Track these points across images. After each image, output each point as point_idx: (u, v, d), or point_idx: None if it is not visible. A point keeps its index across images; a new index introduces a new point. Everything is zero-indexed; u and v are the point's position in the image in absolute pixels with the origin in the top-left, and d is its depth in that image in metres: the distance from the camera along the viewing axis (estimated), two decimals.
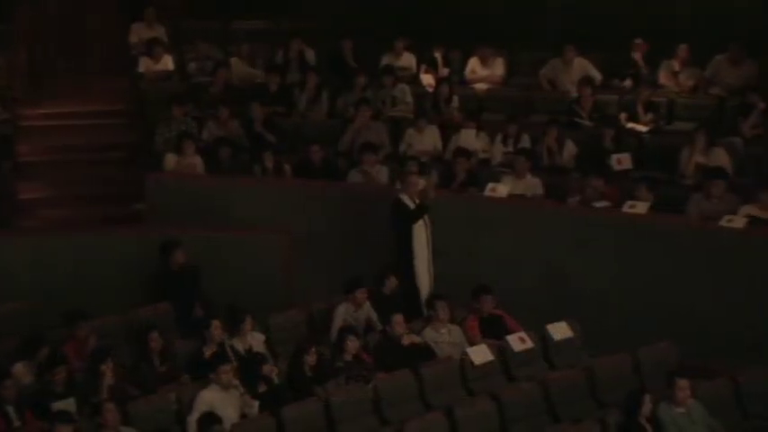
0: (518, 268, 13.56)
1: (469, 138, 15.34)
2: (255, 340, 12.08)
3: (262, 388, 11.20)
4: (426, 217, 13.19)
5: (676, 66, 16.36)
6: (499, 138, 15.29)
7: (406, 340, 12.06)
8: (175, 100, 15.84)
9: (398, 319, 12.13)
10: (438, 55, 17.46)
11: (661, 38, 16.43)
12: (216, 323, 11.87)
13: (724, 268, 12.83)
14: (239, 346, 11.95)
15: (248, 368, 11.32)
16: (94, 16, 18.35)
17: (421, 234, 13.17)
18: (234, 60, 17.32)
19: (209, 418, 10.43)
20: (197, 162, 14.88)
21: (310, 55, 17.57)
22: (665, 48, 16.41)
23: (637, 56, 16.63)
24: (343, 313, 12.60)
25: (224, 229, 14.09)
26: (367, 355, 11.92)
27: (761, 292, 12.65)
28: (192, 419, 10.67)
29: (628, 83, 16.33)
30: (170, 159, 14.92)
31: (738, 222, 12.96)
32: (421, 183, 13.35)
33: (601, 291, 13.27)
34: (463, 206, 14.13)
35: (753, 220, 13.03)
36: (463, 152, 14.78)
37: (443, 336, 12.31)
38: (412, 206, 13.24)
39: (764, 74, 15.82)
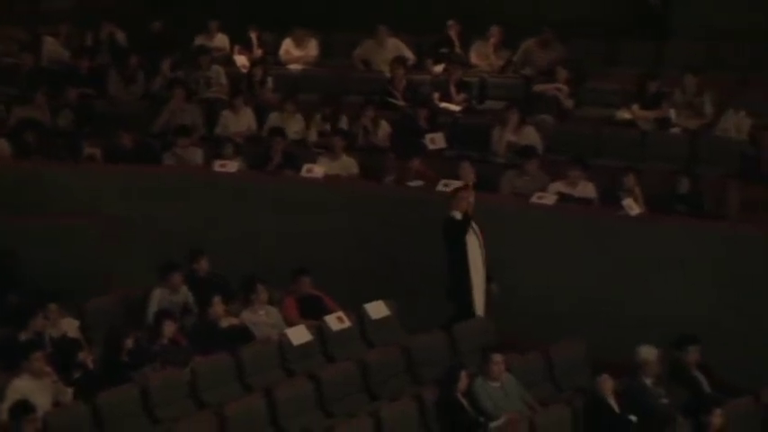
0: (336, 248, 13.61)
1: (285, 119, 15.31)
2: (69, 326, 11.85)
3: (76, 374, 11.00)
4: (478, 232, 12.45)
5: (488, 46, 16.62)
6: (315, 118, 15.30)
7: (223, 322, 12.00)
8: None
9: (217, 301, 12.05)
10: (252, 36, 17.37)
11: (472, 19, 16.67)
12: (40, 314, 11.61)
13: (538, 245, 13.10)
14: (53, 332, 11.71)
15: (62, 355, 11.11)
16: None
17: (475, 250, 12.45)
18: (48, 40, 16.96)
19: (22, 407, 10.17)
20: (3, 146, 14.51)
21: (121, 37, 17.30)
22: (476, 29, 16.66)
23: (452, 35, 16.83)
24: (158, 297, 12.45)
25: (38, 215, 13.80)
26: (184, 339, 11.82)
27: (572, 267, 12.96)
28: (4, 408, 10.41)
29: (440, 67, 16.49)
30: None
31: (549, 199, 13.27)
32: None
33: (418, 270, 13.37)
34: (279, 187, 14.13)
35: (562, 197, 13.35)
36: (279, 132, 14.75)
37: (261, 317, 12.28)
38: (460, 218, 12.53)
39: (571, 55, 16.20)
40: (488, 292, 12.45)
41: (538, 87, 15.50)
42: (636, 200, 13.19)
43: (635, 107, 14.89)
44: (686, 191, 13.38)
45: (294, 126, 15.28)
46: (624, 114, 14.96)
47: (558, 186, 13.48)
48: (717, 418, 10.66)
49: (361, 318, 12.47)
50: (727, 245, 12.68)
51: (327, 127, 15.14)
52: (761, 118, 14.67)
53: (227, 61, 17.03)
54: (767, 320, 12.31)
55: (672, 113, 14.74)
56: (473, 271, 12.39)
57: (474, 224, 12.40)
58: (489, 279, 12.44)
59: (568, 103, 15.40)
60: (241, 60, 17.06)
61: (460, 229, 12.36)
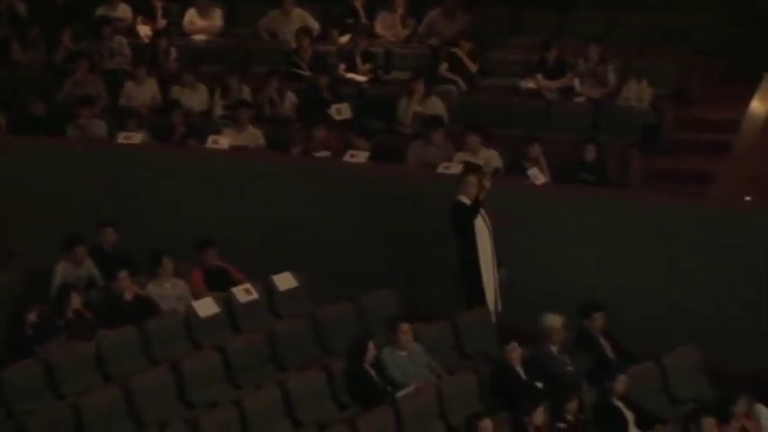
0: (243, 220, 13.56)
1: (186, 91, 15.17)
2: None
3: None
4: (486, 218, 12.22)
5: (394, 17, 16.61)
6: (219, 90, 15.20)
7: (128, 295, 11.91)
8: None
9: (123, 274, 11.97)
10: (157, 5, 17.17)
11: None
12: None
13: (443, 215, 13.13)
14: None
15: None
16: None
17: (484, 235, 12.21)
18: None
19: None
20: None
21: (22, 7, 17.04)
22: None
23: (357, 5, 16.79)
24: (62, 270, 12.33)
25: None
26: (89, 312, 11.72)
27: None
28: None
29: (345, 38, 16.44)
30: None
31: (455, 168, 13.31)
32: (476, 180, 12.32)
33: (326, 241, 13.39)
34: (184, 159, 14.04)
35: (468, 166, 13.41)
36: (176, 105, 14.65)
37: (167, 290, 12.21)
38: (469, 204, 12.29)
39: (476, 25, 16.27)
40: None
41: (443, 70, 15.43)
42: (541, 169, 13.31)
43: (539, 77, 14.98)
44: (592, 159, 13.51)
45: (197, 98, 15.16)
46: (529, 84, 15.05)
47: (464, 155, 13.54)
48: (620, 384, 10.87)
49: (268, 289, 12.45)
50: (630, 213, 12.84)
51: (231, 99, 15.00)
52: (662, 87, 14.86)
53: (130, 32, 16.82)
54: (670, 286, 12.53)
55: (576, 83, 14.87)
56: (482, 257, 12.23)
57: (483, 210, 12.23)
58: (499, 265, 12.29)
59: (472, 68, 15.40)
60: (144, 31, 16.86)
61: (468, 214, 12.22)
